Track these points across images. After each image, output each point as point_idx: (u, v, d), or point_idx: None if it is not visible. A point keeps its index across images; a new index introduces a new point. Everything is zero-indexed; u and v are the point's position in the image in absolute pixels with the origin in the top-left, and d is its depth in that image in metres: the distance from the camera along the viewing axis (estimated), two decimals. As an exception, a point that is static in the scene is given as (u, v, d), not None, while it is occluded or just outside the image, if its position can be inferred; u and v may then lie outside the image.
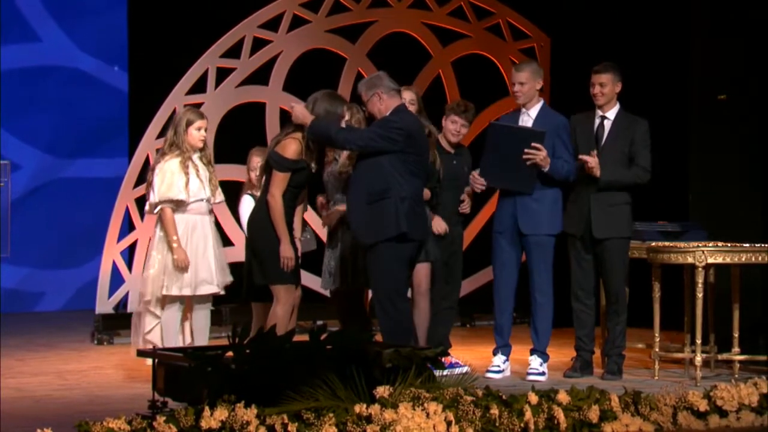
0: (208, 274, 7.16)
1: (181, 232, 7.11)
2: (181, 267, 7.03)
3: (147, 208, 7.28)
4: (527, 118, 7.54)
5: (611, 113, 7.58)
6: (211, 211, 7.33)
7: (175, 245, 7.04)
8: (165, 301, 7.15)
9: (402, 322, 6.73)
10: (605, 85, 7.53)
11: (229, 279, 7.34)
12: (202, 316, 7.29)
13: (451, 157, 7.72)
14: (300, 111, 6.79)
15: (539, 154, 7.31)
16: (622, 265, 7.57)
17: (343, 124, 6.89)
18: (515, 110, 7.67)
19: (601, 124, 7.58)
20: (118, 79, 10.39)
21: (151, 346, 6.80)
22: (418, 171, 6.85)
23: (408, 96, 7.34)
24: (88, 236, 9.69)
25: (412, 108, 7.31)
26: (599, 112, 7.59)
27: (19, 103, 10.05)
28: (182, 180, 7.08)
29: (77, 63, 10.05)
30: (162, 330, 7.12)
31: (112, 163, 10.02)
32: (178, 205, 7.11)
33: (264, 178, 6.90)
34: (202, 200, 7.18)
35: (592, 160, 7.37)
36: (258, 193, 7.31)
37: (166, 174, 7.07)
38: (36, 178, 10.14)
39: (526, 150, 7.31)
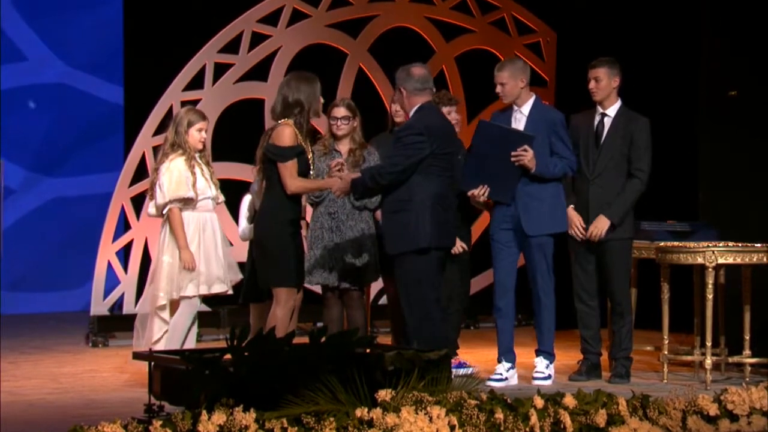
0: (221, 272, 7.13)
1: (192, 230, 7.07)
2: (188, 268, 6.96)
3: (151, 210, 7.20)
4: (520, 116, 7.39)
5: (612, 110, 7.47)
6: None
7: (183, 246, 6.94)
8: (175, 304, 7.08)
9: (429, 332, 6.52)
10: (600, 79, 7.45)
11: (239, 277, 7.30)
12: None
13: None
14: (343, 185, 6.64)
15: (526, 155, 7.16)
16: (624, 267, 7.49)
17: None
18: (507, 108, 7.50)
19: (601, 122, 7.49)
20: (113, 84, 10.18)
21: None
22: (441, 170, 6.67)
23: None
24: (85, 240, 9.57)
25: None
26: (599, 109, 7.50)
27: (11, 121, 9.87)
28: (190, 178, 7.03)
29: (71, 61, 9.90)
30: (170, 333, 7.00)
31: (109, 178, 9.83)
32: (186, 204, 7.06)
33: (262, 175, 6.74)
34: (209, 198, 7.15)
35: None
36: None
37: (174, 173, 7.03)
38: (31, 199, 10.00)
39: (513, 153, 7.15)
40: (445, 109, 7.49)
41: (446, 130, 6.81)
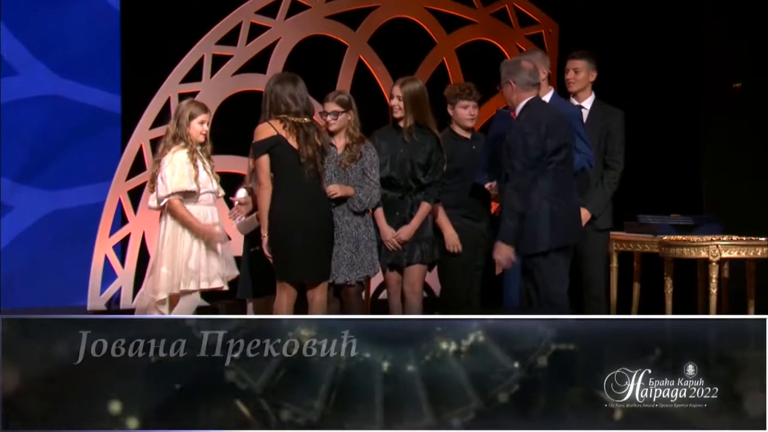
0: (220, 267, 7.07)
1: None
2: (219, 241, 6.97)
3: (152, 203, 7.13)
4: (537, 109, 7.31)
5: (587, 103, 7.47)
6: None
7: (200, 228, 6.94)
8: (175, 298, 7.01)
9: None
10: (579, 71, 7.45)
11: (235, 273, 7.22)
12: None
13: (469, 143, 7.45)
14: (504, 259, 6.50)
15: None
16: (602, 258, 7.43)
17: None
18: None
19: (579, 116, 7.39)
20: (109, 92, 9.95)
21: None
22: (556, 165, 6.53)
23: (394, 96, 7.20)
24: (82, 242, 9.44)
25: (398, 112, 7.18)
26: (575, 102, 7.43)
27: (5, 136, 9.67)
28: (193, 171, 6.97)
29: (64, 71, 9.69)
30: None
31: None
32: (188, 197, 6.99)
33: (319, 170, 6.77)
34: (210, 192, 7.09)
35: None
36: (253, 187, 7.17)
37: (177, 165, 6.96)
38: (29, 214, 9.81)
39: None
40: (470, 103, 7.37)
41: (557, 124, 6.62)
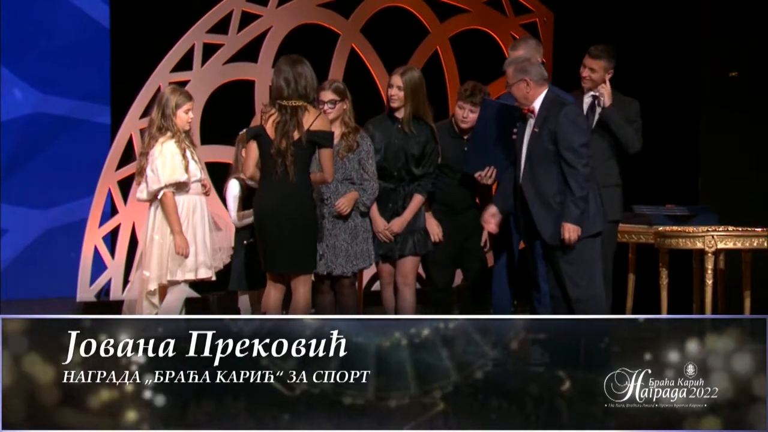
0: (207, 257, 7.01)
1: (182, 214, 6.94)
2: (182, 254, 6.86)
3: (141, 195, 7.05)
4: (529, 98, 7.23)
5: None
6: (206, 193, 7.15)
7: (178, 231, 6.86)
8: (163, 289, 6.97)
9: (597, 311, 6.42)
10: (595, 71, 7.26)
11: (221, 265, 7.17)
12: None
13: (462, 143, 7.33)
14: (573, 235, 6.41)
15: None
16: (612, 250, 7.29)
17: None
18: None
19: (592, 105, 7.30)
20: (97, 104, 9.84)
21: None
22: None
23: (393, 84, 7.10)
24: (72, 230, 9.40)
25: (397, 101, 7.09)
26: (591, 92, 7.32)
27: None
28: (182, 161, 6.89)
29: (56, 38, 9.62)
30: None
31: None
32: (180, 188, 6.91)
33: (294, 158, 6.55)
34: (198, 181, 7.02)
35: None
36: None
37: (167, 156, 6.88)
38: (26, 235, 9.78)
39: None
40: (466, 106, 7.24)
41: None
